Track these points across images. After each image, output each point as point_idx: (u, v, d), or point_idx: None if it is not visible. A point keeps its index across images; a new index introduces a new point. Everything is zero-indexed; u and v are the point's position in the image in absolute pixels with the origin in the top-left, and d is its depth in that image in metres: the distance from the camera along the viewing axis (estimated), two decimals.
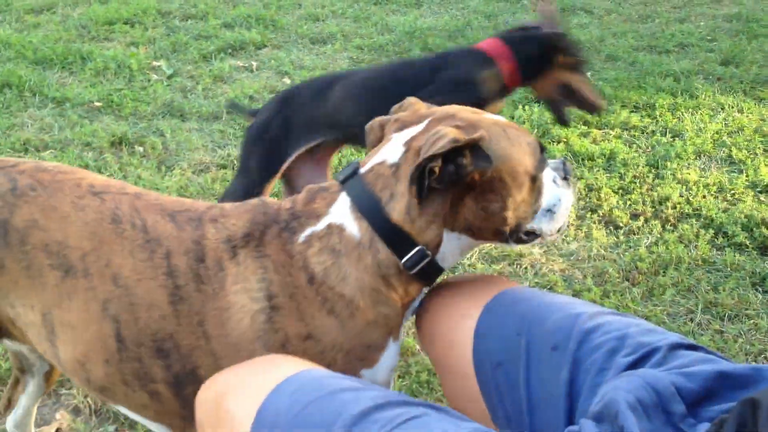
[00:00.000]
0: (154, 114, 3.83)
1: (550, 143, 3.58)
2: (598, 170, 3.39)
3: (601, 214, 3.09)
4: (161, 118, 3.80)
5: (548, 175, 1.42)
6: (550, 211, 1.41)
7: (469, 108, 1.41)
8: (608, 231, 3.01)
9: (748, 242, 2.88)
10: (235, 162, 3.36)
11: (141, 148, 3.48)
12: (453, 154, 1.25)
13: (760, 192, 3.24)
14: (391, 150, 1.35)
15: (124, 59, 4.31)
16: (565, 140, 3.61)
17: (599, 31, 5.15)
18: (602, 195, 3.19)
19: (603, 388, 1.08)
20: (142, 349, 1.32)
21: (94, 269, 1.33)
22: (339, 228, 1.32)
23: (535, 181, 1.37)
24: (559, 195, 1.42)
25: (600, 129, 3.77)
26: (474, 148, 1.27)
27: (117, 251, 1.33)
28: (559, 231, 1.45)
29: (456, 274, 2.67)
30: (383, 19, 5.33)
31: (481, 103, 2.23)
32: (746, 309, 2.55)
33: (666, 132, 3.76)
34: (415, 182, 1.25)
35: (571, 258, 2.85)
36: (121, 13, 4.97)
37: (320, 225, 1.33)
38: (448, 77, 2.44)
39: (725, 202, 3.16)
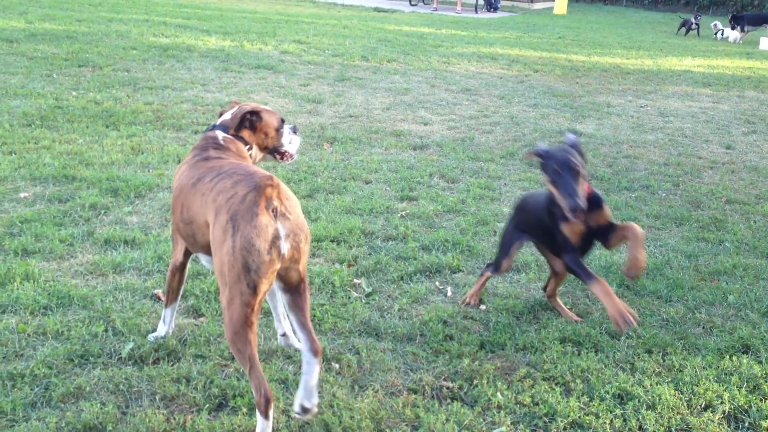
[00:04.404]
0: (351, 331, 3.97)
1: None
2: None
3: None
4: (358, 335, 3.94)
5: (287, 130, 3.71)
6: (290, 144, 3.74)
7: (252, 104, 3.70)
8: None
9: None
10: (426, 388, 3.39)
11: (337, 365, 3.59)
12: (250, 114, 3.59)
13: None
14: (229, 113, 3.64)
15: (328, 275, 4.57)
16: None
17: None
18: None
19: None
20: None
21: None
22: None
23: (278, 130, 3.68)
24: (290, 138, 3.73)
25: None
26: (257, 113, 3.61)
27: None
28: (296, 152, 3.78)
29: None
30: None
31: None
32: None
33: None
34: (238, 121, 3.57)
35: None
36: (329, 231, 5.31)
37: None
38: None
39: None
